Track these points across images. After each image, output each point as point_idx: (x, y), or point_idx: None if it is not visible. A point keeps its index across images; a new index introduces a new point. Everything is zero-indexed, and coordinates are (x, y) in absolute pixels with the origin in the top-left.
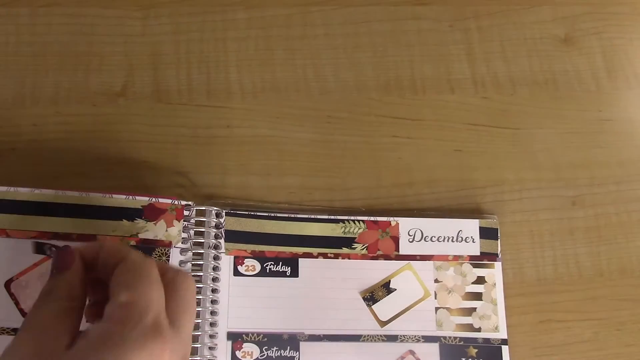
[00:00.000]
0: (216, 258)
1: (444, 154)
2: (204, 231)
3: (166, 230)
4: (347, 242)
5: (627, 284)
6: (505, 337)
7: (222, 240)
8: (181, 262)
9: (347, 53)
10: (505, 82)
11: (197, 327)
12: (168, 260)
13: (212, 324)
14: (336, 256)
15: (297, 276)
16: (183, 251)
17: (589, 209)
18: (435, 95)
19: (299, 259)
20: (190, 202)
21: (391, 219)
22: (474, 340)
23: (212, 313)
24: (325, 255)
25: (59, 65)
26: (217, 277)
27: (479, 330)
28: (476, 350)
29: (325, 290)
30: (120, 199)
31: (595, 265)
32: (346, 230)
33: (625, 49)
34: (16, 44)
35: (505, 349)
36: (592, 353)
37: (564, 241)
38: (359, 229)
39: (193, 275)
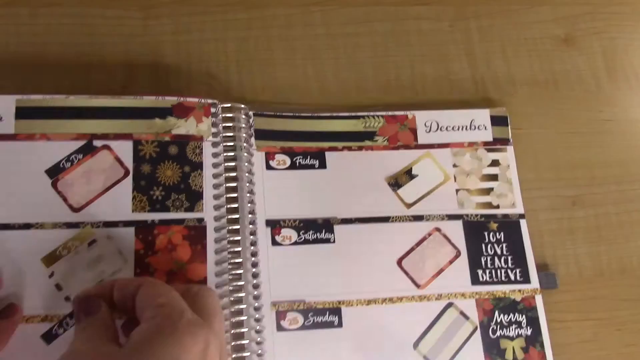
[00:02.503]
0: (249, 155)
1: None
2: (233, 132)
3: (197, 126)
4: (369, 135)
5: (627, 284)
6: (522, 212)
7: (252, 138)
8: (214, 155)
9: (347, 53)
10: (506, 82)
11: (237, 221)
12: (201, 153)
13: (251, 212)
14: (360, 148)
15: (325, 167)
16: (215, 144)
17: (589, 209)
18: (435, 95)
19: (326, 153)
20: (215, 101)
21: (407, 112)
22: (494, 216)
23: (250, 202)
24: (349, 148)
25: (59, 66)
26: (251, 171)
27: (497, 207)
28: (497, 224)
29: (352, 179)
30: (150, 100)
31: (595, 265)
32: (367, 125)
33: (625, 49)
34: (16, 44)
35: (523, 222)
36: (592, 353)
37: (564, 241)
38: (379, 123)
39: (227, 171)
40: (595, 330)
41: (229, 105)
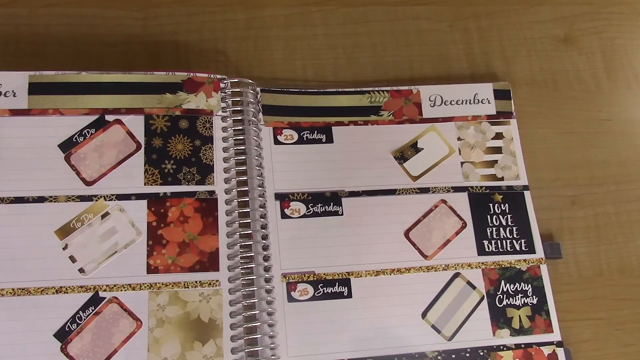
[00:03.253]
0: (257, 130)
1: None
2: (241, 107)
3: (206, 101)
4: (374, 110)
5: (626, 284)
6: (527, 183)
7: (260, 114)
8: (223, 129)
9: (346, 53)
10: (505, 82)
11: (247, 194)
12: (211, 127)
13: (260, 186)
14: (365, 123)
15: (332, 142)
16: (224, 119)
17: (588, 208)
18: None
19: (332, 127)
20: (224, 76)
21: (412, 87)
22: (499, 188)
23: (259, 176)
24: (355, 123)
25: (59, 66)
26: (260, 145)
27: (502, 179)
28: (501, 196)
29: (358, 152)
30: (161, 75)
31: (594, 265)
32: (372, 100)
33: (625, 49)
34: (16, 44)
35: (527, 194)
36: (591, 353)
37: (563, 241)
38: (384, 98)
39: (236, 145)
40: (595, 330)
41: (237, 80)
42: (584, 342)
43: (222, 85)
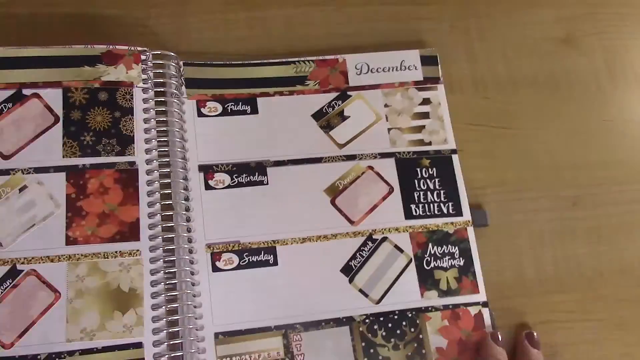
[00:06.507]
0: (179, 102)
1: None
2: (163, 79)
3: (127, 73)
4: (300, 80)
5: (627, 284)
6: (455, 147)
7: (182, 87)
8: (144, 100)
9: (347, 54)
10: (506, 82)
11: (168, 164)
12: (132, 99)
13: (183, 157)
14: (291, 93)
15: (257, 113)
16: (145, 90)
17: (589, 209)
18: None
19: (257, 99)
20: (145, 48)
21: (338, 56)
22: (426, 152)
23: (182, 148)
24: (281, 94)
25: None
26: (182, 118)
27: (429, 144)
28: (429, 160)
29: (284, 122)
30: (79, 48)
31: (595, 266)
32: (298, 70)
33: (626, 50)
34: (16, 43)
35: (455, 158)
36: (593, 353)
37: (564, 241)
38: (310, 67)
39: (158, 115)
40: (596, 331)
41: (159, 52)
42: (585, 343)
43: (143, 57)
